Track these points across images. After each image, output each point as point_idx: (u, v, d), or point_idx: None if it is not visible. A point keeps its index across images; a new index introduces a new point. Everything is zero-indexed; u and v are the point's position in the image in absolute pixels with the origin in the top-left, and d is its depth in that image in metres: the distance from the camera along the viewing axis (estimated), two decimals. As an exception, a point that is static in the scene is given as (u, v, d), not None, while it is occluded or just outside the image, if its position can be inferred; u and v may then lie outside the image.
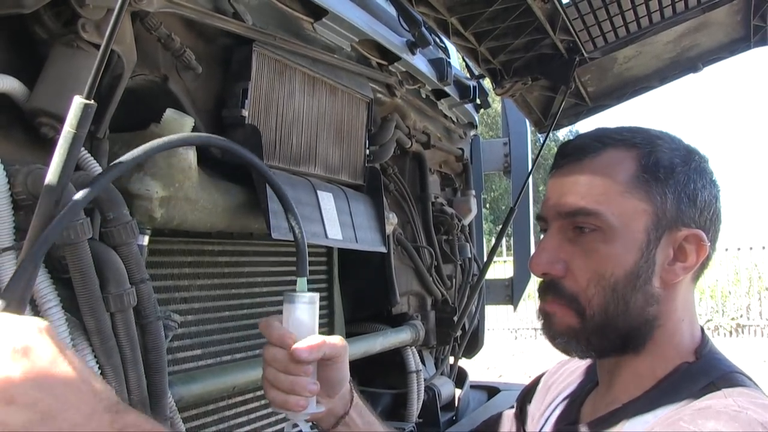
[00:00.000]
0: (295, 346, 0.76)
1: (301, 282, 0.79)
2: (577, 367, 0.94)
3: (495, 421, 1.04)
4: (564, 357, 0.96)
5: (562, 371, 0.96)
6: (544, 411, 0.91)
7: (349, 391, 0.86)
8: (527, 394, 1.01)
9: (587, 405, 0.85)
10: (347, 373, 0.85)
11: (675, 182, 0.75)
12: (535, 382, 1.01)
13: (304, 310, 0.78)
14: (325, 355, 0.79)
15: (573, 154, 0.79)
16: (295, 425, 0.78)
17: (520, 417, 0.99)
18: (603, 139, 0.78)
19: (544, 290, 0.80)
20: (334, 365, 0.82)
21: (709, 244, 0.75)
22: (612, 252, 0.74)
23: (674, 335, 0.77)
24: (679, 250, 0.75)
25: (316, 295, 0.79)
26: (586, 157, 0.77)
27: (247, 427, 1.29)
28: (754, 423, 0.62)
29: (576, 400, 0.87)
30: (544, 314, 0.80)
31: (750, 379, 0.74)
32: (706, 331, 0.81)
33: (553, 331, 0.79)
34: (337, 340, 0.81)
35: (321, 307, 0.83)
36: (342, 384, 0.84)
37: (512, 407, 1.04)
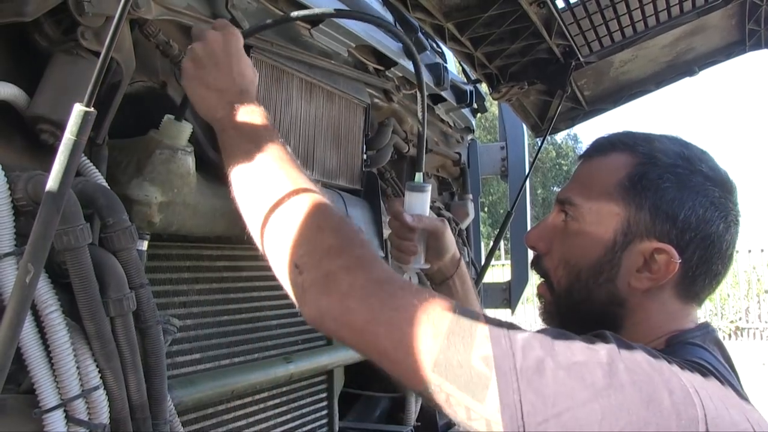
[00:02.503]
0: (403, 215, 1.07)
1: (418, 176, 1.10)
2: None
3: None
4: None
5: None
6: None
7: (458, 260, 1.16)
8: None
9: None
10: (452, 244, 1.15)
11: (656, 196, 0.76)
12: None
13: (416, 196, 1.09)
14: (427, 227, 1.10)
15: (589, 152, 0.87)
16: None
17: None
18: (615, 142, 0.84)
19: (532, 264, 0.91)
20: (438, 237, 1.12)
21: (679, 261, 0.75)
22: (579, 242, 0.81)
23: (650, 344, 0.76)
24: (650, 260, 0.77)
25: (429, 186, 1.09)
26: (597, 156, 0.84)
27: (246, 431, 1.29)
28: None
29: None
30: (537, 295, 0.90)
31: (715, 372, 0.68)
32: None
33: (541, 307, 0.89)
34: (436, 219, 1.12)
35: None
36: (448, 251, 1.14)
37: None
